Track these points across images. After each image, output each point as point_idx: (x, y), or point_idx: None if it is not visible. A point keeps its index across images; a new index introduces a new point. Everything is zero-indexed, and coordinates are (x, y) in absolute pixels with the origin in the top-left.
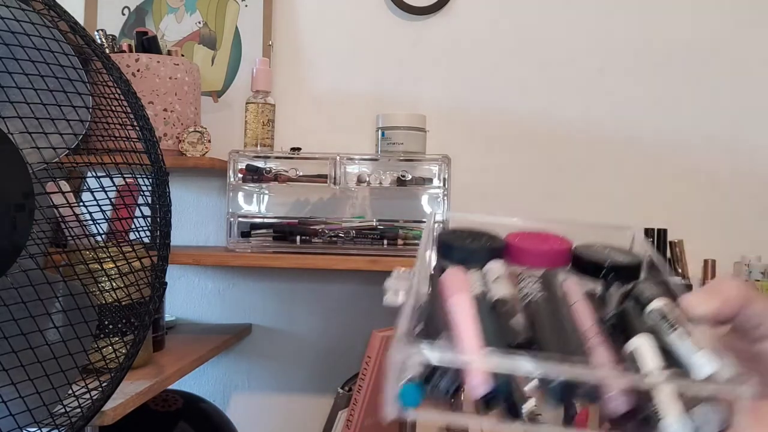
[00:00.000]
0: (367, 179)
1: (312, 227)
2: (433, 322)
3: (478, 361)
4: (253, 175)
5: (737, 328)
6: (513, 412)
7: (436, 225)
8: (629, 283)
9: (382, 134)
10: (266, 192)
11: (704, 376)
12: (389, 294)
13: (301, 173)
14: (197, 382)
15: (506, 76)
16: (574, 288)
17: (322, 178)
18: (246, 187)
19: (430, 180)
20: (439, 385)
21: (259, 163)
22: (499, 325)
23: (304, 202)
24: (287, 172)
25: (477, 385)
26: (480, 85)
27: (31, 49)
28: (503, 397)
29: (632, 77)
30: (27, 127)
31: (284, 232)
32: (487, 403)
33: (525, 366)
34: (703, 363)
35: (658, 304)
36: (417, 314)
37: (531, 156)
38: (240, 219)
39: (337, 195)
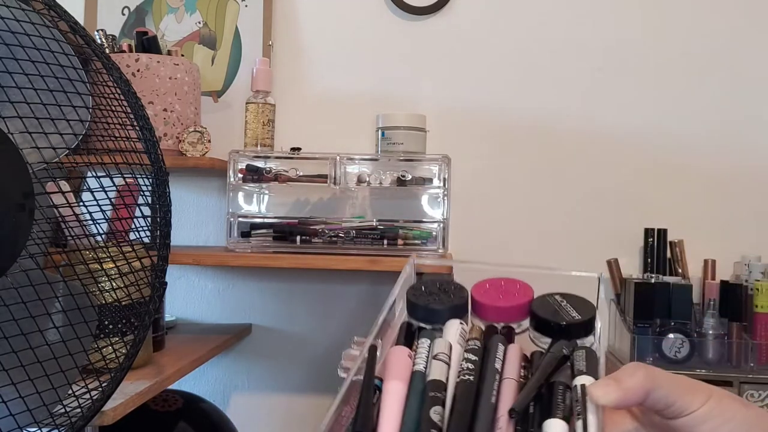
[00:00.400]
0: (367, 179)
1: (312, 227)
2: (363, 411)
3: None
4: (253, 175)
5: (649, 408)
6: None
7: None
8: (577, 337)
9: (382, 134)
10: (266, 192)
11: None
12: (340, 370)
13: (301, 173)
14: (197, 382)
15: (506, 76)
16: (513, 358)
17: (322, 178)
18: (246, 187)
19: (430, 180)
20: None
21: (259, 163)
22: (420, 415)
23: (304, 202)
24: (287, 172)
25: None
26: (480, 85)
27: (31, 49)
28: None
29: (632, 77)
30: (27, 127)
31: (284, 232)
32: None
33: None
34: None
35: (582, 381)
36: (354, 395)
37: (531, 156)
38: (240, 219)
39: (337, 195)
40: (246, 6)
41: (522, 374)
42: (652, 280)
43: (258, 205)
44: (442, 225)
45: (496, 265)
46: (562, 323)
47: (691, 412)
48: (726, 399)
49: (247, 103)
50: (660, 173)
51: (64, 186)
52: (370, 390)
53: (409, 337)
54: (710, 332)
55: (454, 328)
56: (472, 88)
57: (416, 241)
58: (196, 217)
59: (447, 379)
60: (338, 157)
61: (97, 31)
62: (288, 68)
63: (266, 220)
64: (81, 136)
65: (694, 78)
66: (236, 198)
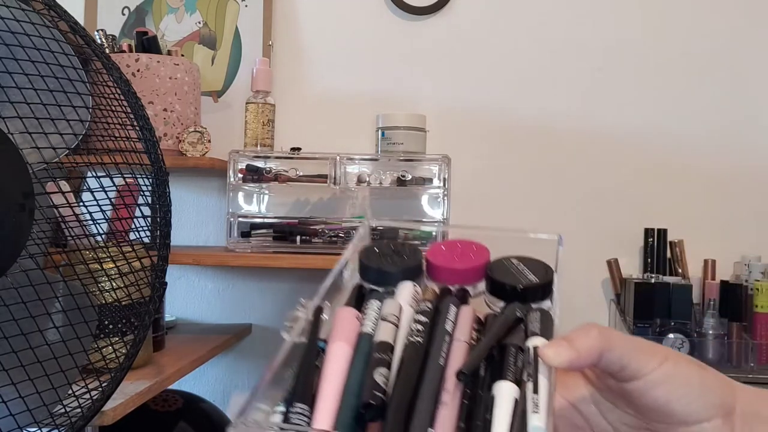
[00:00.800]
0: (367, 179)
1: (312, 227)
2: (303, 374)
3: None
4: (253, 175)
5: (603, 370)
6: None
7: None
8: (533, 301)
9: (382, 134)
10: (266, 192)
11: None
12: (284, 330)
13: (301, 173)
14: (197, 382)
15: (506, 76)
16: (465, 320)
17: (322, 178)
18: (246, 187)
19: (430, 180)
20: None
21: (259, 163)
22: (363, 379)
23: (304, 202)
24: (287, 172)
25: None
26: (480, 85)
27: (31, 49)
28: None
29: (632, 77)
30: (27, 127)
31: (284, 232)
32: None
33: None
34: (533, 428)
35: (534, 343)
36: (294, 360)
37: (531, 156)
38: (240, 219)
39: (337, 195)
40: (246, 6)
41: (474, 337)
42: (652, 280)
43: (258, 205)
44: (441, 230)
45: (451, 226)
46: (518, 286)
47: (646, 374)
48: (683, 361)
49: (247, 103)
50: (660, 173)
51: (64, 186)
52: (312, 352)
53: (359, 299)
54: (710, 332)
55: (406, 291)
56: (472, 88)
57: (417, 241)
58: (196, 217)
59: (395, 341)
60: (338, 157)
61: (97, 31)
62: (288, 68)
63: (266, 220)
64: (81, 136)
65: (694, 78)
66: (236, 198)
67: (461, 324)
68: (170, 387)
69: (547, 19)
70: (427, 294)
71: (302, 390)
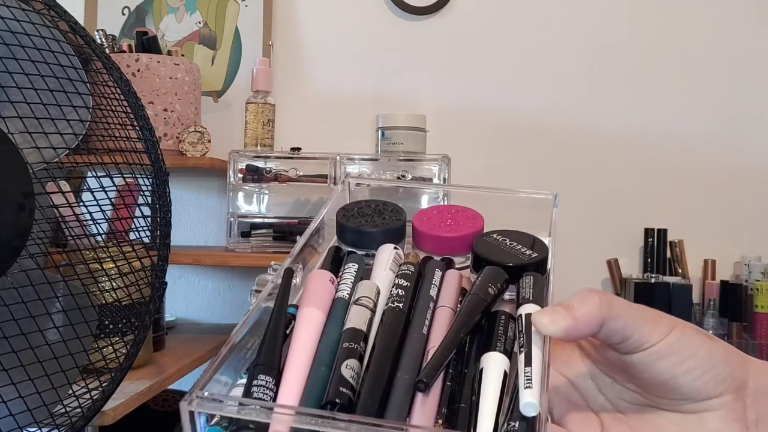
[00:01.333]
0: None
1: None
2: (269, 346)
3: (275, 422)
4: (253, 175)
5: (603, 341)
6: None
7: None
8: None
9: (382, 134)
10: (266, 192)
11: (526, 416)
12: (251, 296)
13: (301, 173)
14: None
15: (506, 76)
16: (451, 285)
17: (322, 178)
18: (246, 187)
19: (430, 180)
20: None
21: (259, 163)
22: (332, 371)
23: (304, 202)
24: (287, 172)
25: None
26: (480, 85)
27: (31, 49)
28: None
29: (632, 77)
30: (27, 127)
31: (284, 232)
32: None
33: (323, 427)
34: (526, 405)
35: (526, 310)
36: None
37: (531, 156)
38: (240, 219)
39: None
40: (246, 6)
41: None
42: (652, 280)
43: (258, 205)
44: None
45: (437, 186)
46: (507, 264)
47: (650, 346)
48: (690, 331)
49: (247, 103)
50: (660, 173)
51: (64, 186)
52: (280, 318)
53: (336, 262)
54: (710, 332)
55: (386, 254)
56: (472, 88)
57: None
58: (196, 217)
59: (369, 329)
60: (338, 157)
61: (97, 31)
62: (288, 68)
63: (266, 220)
64: (81, 136)
65: (694, 78)
66: (236, 198)
67: (446, 288)
68: (170, 387)
69: (546, 19)
70: (409, 258)
71: (268, 360)
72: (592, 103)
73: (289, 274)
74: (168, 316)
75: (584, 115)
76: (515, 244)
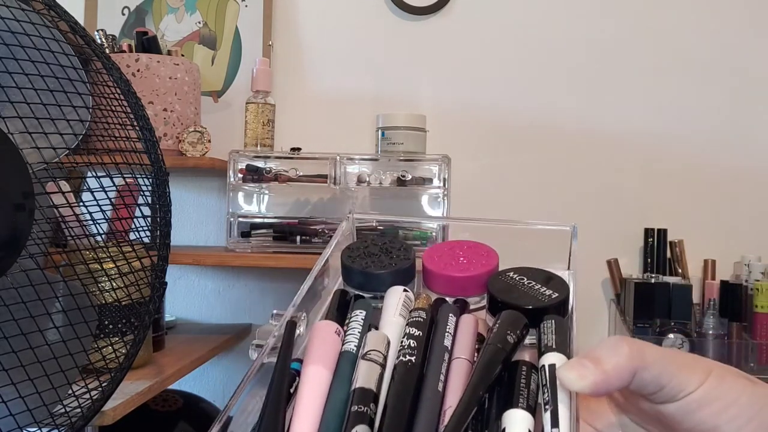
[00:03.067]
0: (367, 179)
1: (312, 227)
2: (272, 408)
3: None
4: (253, 175)
5: (635, 392)
6: None
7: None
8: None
9: (382, 134)
10: (266, 192)
11: None
12: (252, 350)
13: (301, 173)
14: (197, 382)
15: (506, 76)
16: (466, 332)
17: (322, 178)
18: (246, 187)
19: (430, 180)
20: None
21: (259, 163)
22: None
23: (304, 202)
24: (287, 172)
25: None
26: (480, 85)
27: (31, 49)
28: None
29: (633, 77)
30: (27, 127)
31: (284, 232)
32: None
33: None
34: None
35: (549, 360)
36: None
37: (531, 156)
38: (240, 219)
39: (337, 195)
40: (246, 6)
41: (478, 353)
42: (652, 280)
43: (258, 205)
44: (441, 225)
45: (449, 219)
46: (527, 307)
47: (688, 394)
48: (729, 376)
49: (247, 103)
50: (660, 173)
51: (64, 186)
52: (283, 377)
53: (342, 308)
54: (710, 332)
55: (395, 298)
56: (472, 88)
57: (416, 242)
58: (196, 217)
59: (379, 387)
60: (338, 157)
61: (97, 31)
62: (288, 68)
63: (266, 220)
64: (81, 136)
65: (694, 78)
66: (236, 198)
67: (462, 337)
68: (170, 387)
69: (547, 19)
70: (420, 302)
71: (271, 425)
72: (592, 103)
73: (291, 327)
74: (168, 316)
75: (584, 115)
76: (533, 283)
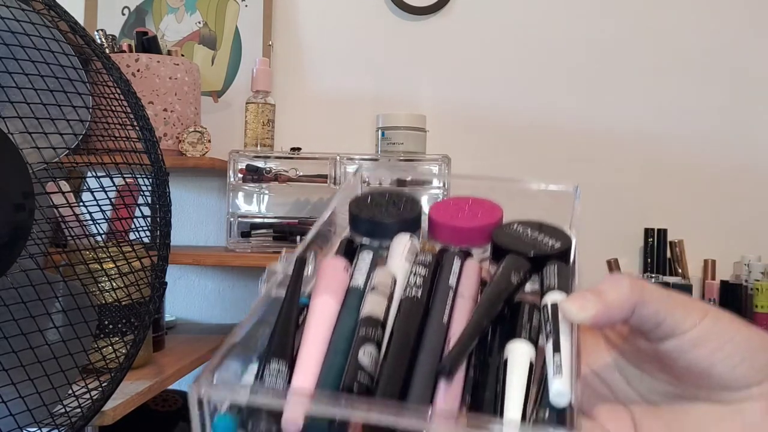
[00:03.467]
0: (367, 179)
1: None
2: (281, 333)
3: (290, 406)
4: (253, 175)
5: (634, 328)
6: None
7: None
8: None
9: (382, 134)
10: (266, 192)
11: (556, 406)
12: (261, 282)
13: (301, 173)
14: None
15: (506, 76)
16: (471, 275)
17: (322, 178)
18: (246, 187)
19: (430, 180)
20: (259, 426)
21: (259, 163)
22: (349, 354)
23: (304, 202)
24: (287, 172)
25: (288, 424)
26: (480, 85)
27: (31, 49)
28: None
29: (633, 77)
30: (27, 127)
31: (284, 232)
32: None
33: (342, 413)
34: (556, 393)
35: (552, 298)
36: (274, 312)
37: (531, 156)
38: (240, 219)
39: None
40: (246, 6)
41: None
42: (652, 280)
43: (258, 205)
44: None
45: (457, 176)
46: (528, 254)
47: (684, 332)
48: (724, 317)
49: (247, 103)
50: (660, 173)
51: (64, 186)
52: (292, 306)
53: (349, 254)
54: None
55: (402, 244)
56: (472, 88)
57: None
58: (196, 217)
59: (386, 318)
60: (338, 157)
61: (97, 31)
62: (288, 68)
63: (266, 220)
64: (81, 136)
65: (694, 77)
66: (236, 198)
67: (466, 278)
68: (170, 387)
69: (546, 19)
70: (425, 249)
71: (280, 348)
72: (592, 103)
73: (301, 262)
74: (168, 316)
75: (584, 115)
76: (537, 233)
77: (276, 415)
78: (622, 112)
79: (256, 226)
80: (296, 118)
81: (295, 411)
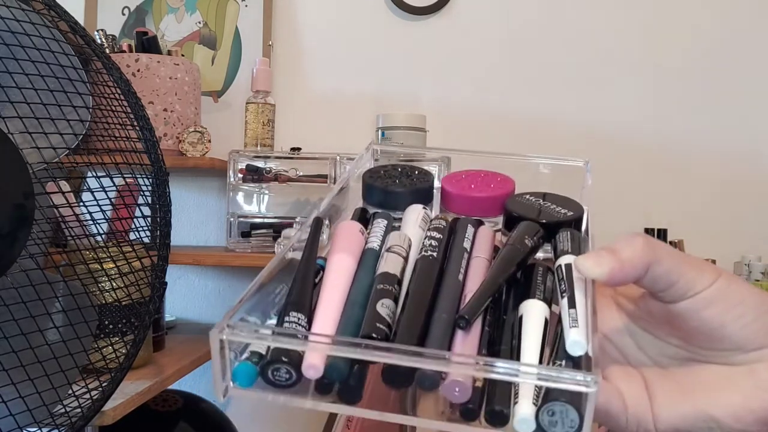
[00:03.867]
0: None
1: None
2: (299, 287)
3: (311, 351)
4: (253, 175)
5: (647, 288)
6: (348, 395)
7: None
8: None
9: (382, 134)
10: (266, 192)
11: (572, 355)
12: (277, 245)
13: (301, 173)
14: (197, 382)
15: (506, 76)
16: (484, 239)
17: (322, 178)
18: (246, 187)
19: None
20: (279, 371)
21: (259, 163)
22: (366, 308)
23: (304, 202)
24: (287, 172)
25: (309, 369)
26: (480, 85)
27: (31, 49)
28: (339, 381)
29: (632, 77)
30: (27, 127)
31: None
32: (324, 387)
33: (363, 355)
34: (573, 343)
35: (565, 260)
36: (291, 270)
37: None
38: (240, 219)
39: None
40: (246, 6)
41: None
42: None
43: (258, 205)
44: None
45: (467, 152)
46: (541, 221)
47: (697, 293)
48: (737, 280)
49: (247, 103)
50: (660, 173)
51: (64, 186)
52: (310, 262)
53: (363, 222)
54: None
55: (415, 214)
56: (472, 88)
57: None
58: (196, 217)
59: (402, 275)
60: (338, 157)
61: (97, 31)
62: (288, 68)
63: (266, 220)
64: (81, 136)
65: (694, 78)
66: (236, 198)
67: (480, 242)
68: (170, 387)
69: (546, 19)
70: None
71: (299, 299)
72: (592, 103)
73: (317, 223)
74: (168, 316)
75: (584, 115)
76: (549, 203)
77: (296, 362)
78: (622, 111)
79: (256, 226)
80: (296, 118)
81: (316, 356)
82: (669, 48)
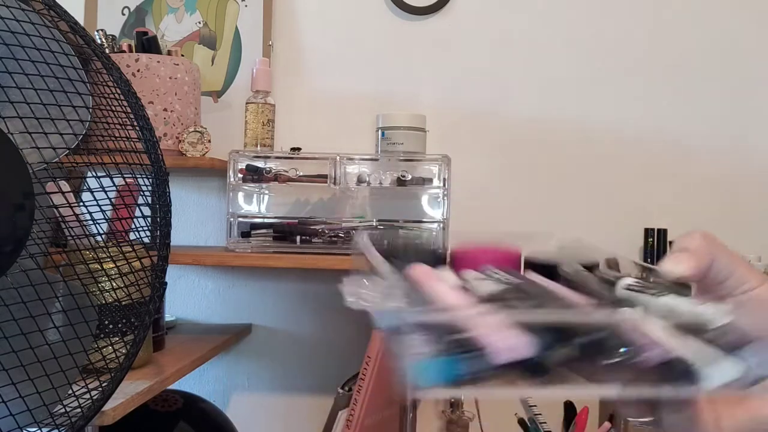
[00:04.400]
0: (367, 179)
1: (312, 227)
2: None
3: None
4: (253, 175)
5: (703, 284)
6: (540, 371)
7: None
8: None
9: (382, 134)
10: (266, 192)
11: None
12: (348, 298)
13: (301, 173)
14: (197, 382)
15: (506, 76)
16: (540, 277)
17: (322, 178)
18: (246, 187)
19: (430, 180)
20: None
21: (259, 163)
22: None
23: (304, 202)
24: (287, 172)
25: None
26: (480, 85)
27: (31, 49)
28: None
29: (632, 77)
30: (27, 127)
31: (284, 232)
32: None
33: (546, 317)
34: (715, 314)
35: (629, 280)
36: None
37: (531, 156)
38: (240, 219)
39: (337, 195)
40: (246, 6)
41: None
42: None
43: (258, 205)
44: (442, 225)
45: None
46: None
47: (749, 290)
48: None
49: (247, 103)
50: (660, 173)
51: (64, 186)
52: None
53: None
54: None
55: (447, 273)
56: (473, 88)
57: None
58: (196, 217)
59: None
60: (338, 157)
61: (97, 31)
62: (288, 68)
63: (266, 220)
64: (81, 136)
65: (694, 78)
66: (236, 198)
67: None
68: (170, 387)
69: (547, 19)
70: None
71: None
72: (592, 103)
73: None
74: (168, 316)
75: (584, 115)
76: (567, 256)
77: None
78: (622, 112)
79: (256, 226)
80: (296, 118)
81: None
82: (669, 48)
